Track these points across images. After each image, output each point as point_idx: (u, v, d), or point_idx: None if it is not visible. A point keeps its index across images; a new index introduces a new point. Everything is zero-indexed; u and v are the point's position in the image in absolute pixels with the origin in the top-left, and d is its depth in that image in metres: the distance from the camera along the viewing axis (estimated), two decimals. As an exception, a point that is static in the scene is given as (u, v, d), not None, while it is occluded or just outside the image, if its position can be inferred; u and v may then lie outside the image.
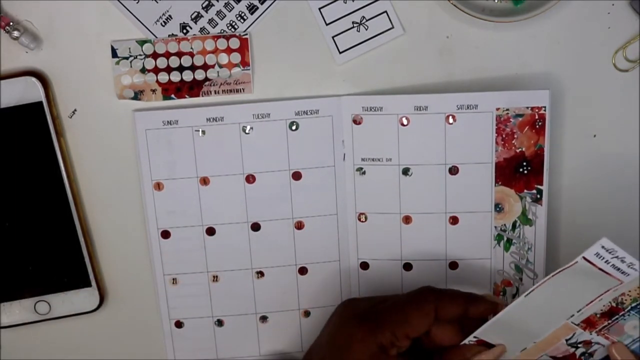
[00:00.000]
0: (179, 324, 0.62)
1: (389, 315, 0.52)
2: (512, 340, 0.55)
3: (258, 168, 0.59)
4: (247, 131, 0.59)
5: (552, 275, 0.50)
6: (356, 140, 0.59)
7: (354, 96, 0.58)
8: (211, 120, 0.58)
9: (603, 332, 0.54)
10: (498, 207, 0.59)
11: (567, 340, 0.55)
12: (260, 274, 0.61)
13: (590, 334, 0.54)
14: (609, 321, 0.53)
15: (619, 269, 0.50)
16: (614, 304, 0.52)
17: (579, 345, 0.55)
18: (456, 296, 0.52)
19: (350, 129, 0.59)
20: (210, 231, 0.60)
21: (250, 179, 0.59)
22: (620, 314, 0.53)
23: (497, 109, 0.58)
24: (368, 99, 0.58)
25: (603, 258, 0.50)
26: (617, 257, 0.50)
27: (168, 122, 0.58)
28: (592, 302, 0.52)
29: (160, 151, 0.59)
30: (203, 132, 0.59)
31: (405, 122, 0.58)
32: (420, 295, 0.53)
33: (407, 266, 0.61)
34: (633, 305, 0.52)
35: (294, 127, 0.59)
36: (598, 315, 0.53)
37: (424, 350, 0.54)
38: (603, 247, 0.49)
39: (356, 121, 0.59)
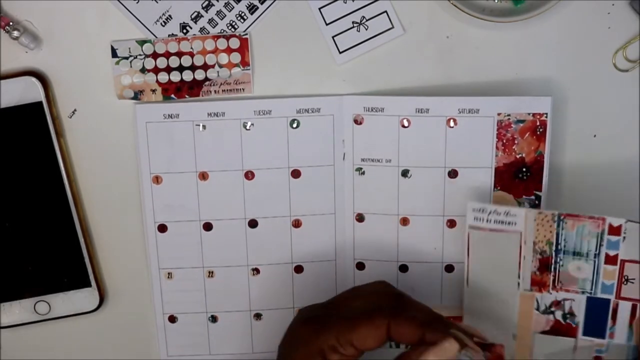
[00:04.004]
0: (172, 319, 0.62)
1: (337, 320, 0.49)
2: (497, 327, 0.57)
3: (257, 165, 0.59)
4: (247, 127, 0.59)
5: (467, 256, 0.56)
6: (356, 140, 0.59)
7: (356, 96, 0.58)
8: (212, 115, 0.58)
9: (558, 287, 0.56)
10: (496, 212, 0.59)
11: (537, 310, 0.57)
12: (256, 271, 0.61)
13: (550, 293, 0.56)
14: (552, 274, 0.56)
15: (502, 222, 0.55)
16: (539, 256, 0.55)
17: (552, 309, 0.57)
18: (415, 318, 0.48)
19: (351, 129, 0.59)
20: (208, 226, 0.60)
21: (249, 175, 0.59)
22: (552, 262, 0.55)
23: (499, 114, 0.58)
24: (370, 99, 0.58)
25: (481, 220, 0.55)
26: (489, 211, 0.55)
27: (169, 115, 0.58)
28: (519, 262, 0.56)
29: (160, 144, 0.59)
30: (204, 126, 0.58)
31: (406, 123, 0.58)
32: (377, 308, 0.49)
33: (403, 268, 0.61)
34: (555, 249, 0.55)
35: (294, 125, 0.59)
36: (537, 273, 0.56)
37: None
38: (473, 209, 0.55)
39: (357, 121, 0.59)
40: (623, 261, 0.54)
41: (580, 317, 0.57)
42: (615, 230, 0.53)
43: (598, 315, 0.56)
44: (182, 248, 0.61)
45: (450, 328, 0.48)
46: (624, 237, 0.53)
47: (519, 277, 0.57)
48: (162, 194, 0.60)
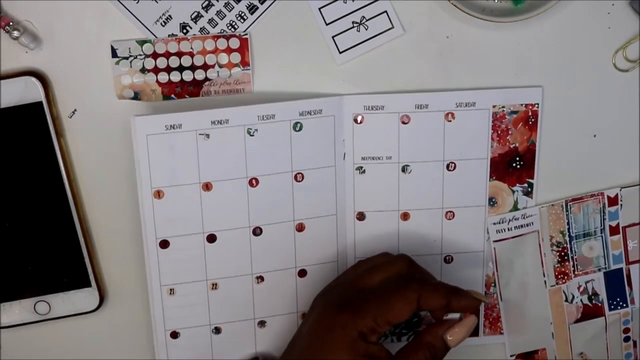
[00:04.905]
0: (174, 335, 0.60)
1: (370, 302, 0.52)
2: (536, 330, 0.61)
3: (261, 171, 0.58)
4: (252, 133, 0.57)
5: (497, 271, 0.60)
6: (357, 140, 0.59)
7: (356, 95, 0.59)
8: (216, 123, 0.57)
9: (578, 273, 0.60)
10: (492, 201, 0.60)
11: (566, 301, 0.61)
12: (260, 278, 0.60)
13: (573, 281, 0.60)
14: (570, 262, 0.60)
15: (521, 226, 0.59)
16: (557, 248, 0.59)
17: (578, 297, 0.61)
18: (439, 288, 0.52)
19: (351, 128, 0.59)
20: (211, 238, 0.59)
21: (253, 182, 0.58)
22: (568, 250, 0.59)
23: (494, 106, 0.59)
24: (369, 98, 0.58)
25: (503, 230, 0.59)
26: (508, 220, 0.59)
27: (171, 126, 0.56)
28: (541, 260, 0.59)
29: (161, 157, 0.56)
30: (207, 135, 0.57)
31: (406, 120, 0.58)
32: (405, 284, 0.52)
33: None
34: (568, 236, 0.59)
35: (297, 128, 0.58)
36: (558, 265, 0.60)
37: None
38: (493, 223, 0.59)
39: (357, 120, 0.59)
40: (624, 228, 0.59)
41: (602, 295, 0.61)
42: (613, 201, 0.58)
43: (617, 287, 0.60)
44: (184, 263, 0.59)
45: (467, 294, 0.53)
46: (621, 205, 0.58)
47: (544, 275, 0.60)
48: (164, 208, 0.58)
